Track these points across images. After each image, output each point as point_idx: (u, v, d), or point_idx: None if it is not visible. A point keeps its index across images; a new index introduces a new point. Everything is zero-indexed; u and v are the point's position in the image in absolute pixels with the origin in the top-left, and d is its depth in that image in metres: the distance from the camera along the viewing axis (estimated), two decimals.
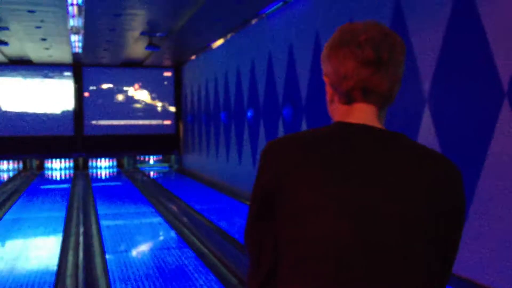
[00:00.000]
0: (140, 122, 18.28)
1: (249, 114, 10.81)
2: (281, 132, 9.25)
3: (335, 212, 1.11)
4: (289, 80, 8.87)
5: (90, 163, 18.10)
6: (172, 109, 18.56)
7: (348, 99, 1.24)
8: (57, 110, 17.63)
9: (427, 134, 5.39)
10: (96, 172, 17.35)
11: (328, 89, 1.29)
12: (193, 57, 15.86)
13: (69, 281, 5.32)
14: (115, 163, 18.43)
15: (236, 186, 11.76)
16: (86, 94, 17.77)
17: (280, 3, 8.88)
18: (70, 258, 6.20)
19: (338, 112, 1.28)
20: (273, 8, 9.26)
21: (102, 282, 5.30)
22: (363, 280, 1.09)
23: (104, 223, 8.34)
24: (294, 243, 1.15)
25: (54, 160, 17.82)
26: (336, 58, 1.24)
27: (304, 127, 8.30)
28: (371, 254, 1.09)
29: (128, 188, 13.23)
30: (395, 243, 1.10)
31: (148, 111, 18.40)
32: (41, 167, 17.76)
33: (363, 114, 1.24)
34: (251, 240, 1.28)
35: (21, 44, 12.87)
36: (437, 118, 5.25)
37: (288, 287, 1.16)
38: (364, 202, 1.11)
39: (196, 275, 5.50)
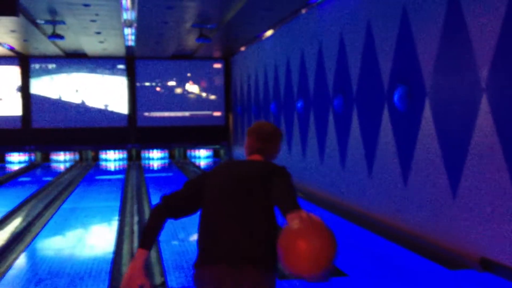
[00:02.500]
0: (191, 113, 18.52)
1: (299, 104, 10.76)
2: (331, 123, 9.16)
3: (217, 179, 2.59)
4: (340, 70, 8.76)
5: (142, 154, 18.49)
6: (222, 100, 18.70)
7: (251, 153, 2.73)
8: (111, 102, 18.08)
9: (484, 124, 5.22)
10: (149, 163, 17.70)
11: (245, 149, 2.77)
12: (243, 48, 15.90)
13: (124, 269, 5.45)
14: (166, 154, 18.75)
15: None
16: (139, 85, 18.14)
17: None
18: (126, 246, 6.35)
19: (247, 157, 2.75)
20: None
21: (156, 270, 5.41)
22: (229, 203, 2.48)
23: None
24: (205, 194, 2.57)
25: (108, 151, 18.29)
26: (248, 137, 2.74)
27: (355, 117, 8.19)
28: (231, 193, 2.50)
29: (180, 179, 13.43)
30: (242, 188, 2.50)
31: (198, 102, 18.61)
32: (96, 158, 18.26)
33: (254, 157, 2.71)
34: (180, 190, 2.64)
35: (76, 37, 13.22)
36: (495, 107, 5.07)
37: (204, 215, 2.55)
38: (229, 176, 2.57)
39: None
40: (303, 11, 10.33)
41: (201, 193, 2.55)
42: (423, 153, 6.35)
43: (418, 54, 6.37)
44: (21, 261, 5.77)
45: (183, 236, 7.01)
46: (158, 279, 5.10)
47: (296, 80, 11.07)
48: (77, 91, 17.81)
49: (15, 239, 6.79)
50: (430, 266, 5.45)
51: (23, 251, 6.19)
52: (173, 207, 2.58)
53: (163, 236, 6.75)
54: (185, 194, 2.59)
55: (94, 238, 7.09)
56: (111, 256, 5.92)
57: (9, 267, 5.55)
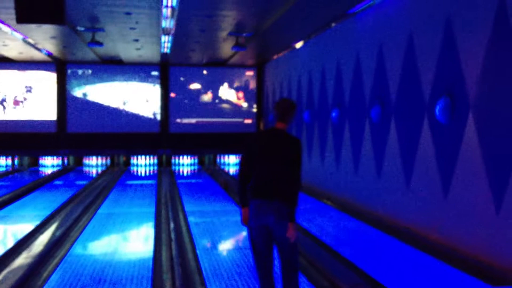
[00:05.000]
0: (222, 120, 18.60)
1: (333, 114, 10.71)
2: (367, 133, 9.10)
3: (260, 150, 4.13)
4: (378, 80, 8.70)
5: (172, 160, 18.62)
6: (254, 107, 18.74)
7: (277, 121, 4.19)
8: (144, 108, 18.28)
9: None
10: (179, 169, 17.81)
11: (273, 118, 4.22)
12: (275, 56, 15.91)
13: (165, 276, 5.48)
14: (196, 161, 18.86)
15: (318, 186, 11.70)
16: (172, 94, 18.32)
17: (371, 2, 8.72)
18: (164, 253, 6.39)
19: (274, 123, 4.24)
20: (363, 7, 9.10)
21: (196, 278, 5.42)
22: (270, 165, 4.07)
23: (192, 220, 8.54)
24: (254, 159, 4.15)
25: (139, 157, 18.47)
26: (275, 110, 4.21)
27: (393, 128, 8.11)
28: (272, 158, 4.08)
29: (211, 185, 13.49)
30: (280, 157, 4.06)
31: (230, 109, 18.69)
32: (128, 163, 18.46)
33: (279, 125, 4.18)
34: (240, 165, 4.22)
35: (114, 44, 13.41)
36: None
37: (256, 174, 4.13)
38: (269, 147, 4.12)
39: None
40: (338, 22, 10.30)
41: (252, 157, 4.13)
42: (465, 167, 6.25)
43: (462, 65, 6.28)
44: (63, 267, 5.83)
45: (219, 245, 7.03)
46: None
47: (331, 89, 11.02)
48: (124, 103, 18.10)
49: (55, 244, 6.89)
50: (472, 282, 5.35)
51: (64, 256, 6.27)
52: (247, 174, 4.15)
53: (199, 244, 6.81)
54: (247, 163, 4.15)
55: (132, 245, 7.15)
56: (151, 263, 5.96)
57: (52, 272, 5.63)
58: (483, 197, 5.88)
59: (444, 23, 6.67)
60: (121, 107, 18.19)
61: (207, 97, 18.61)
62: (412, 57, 7.53)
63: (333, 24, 10.64)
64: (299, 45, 13.27)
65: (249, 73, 18.63)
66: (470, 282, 5.34)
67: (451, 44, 6.53)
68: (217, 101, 18.65)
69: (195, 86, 18.50)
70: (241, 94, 18.74)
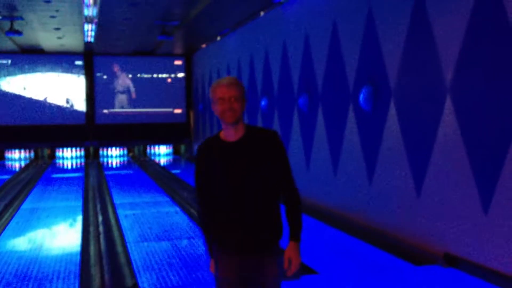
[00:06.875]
0: (151, 110, 18.32)
1: (262, 103, 10.80)
2: (296, 121, 9.25)
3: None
4: (305, 69, 8.85)
5: (101, 152, 18.18)
6: (183, 97, 18.58)
7: None
8: (69, 99, 17.68)
9: (448, 124, 5.38)
10: (107, 161, 17.42)
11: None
12: (204, 45, 15.82)
13: (93, 270, 5.37)
14: (125, 152, 18.50)
15: None
16: (97, 83, 17.83)
17: None
18: (92, 247, 6.25)
19: None
20: None
21: (126, 271, 5.34)
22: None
23: (121, 212, 8.39)
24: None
25: (65, 149, 17.88)
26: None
27: (320, 116, 8.29)
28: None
29: (140, 177, 13.29)
30: None
31: (159, 99, 18.43)
32: (53, 156, 17.84)
33: None
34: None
35: (34, 33, 12.87)
36: (459, 107, 5.23)
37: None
38: None
39: None
40: (266, 11, 10.36)
41: None
42: (388, 152, 6.49)
43: (384, 55, 6.50)
44: None
45: (150, 237, 6.96)
46: (129, 281, 5.04)
47: (260, 78, 11.10)
48: (24, 88, 17.30)
49: None
50: (396, 262, 5.59)
51: None
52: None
53: (129, 237, 6.71)
54: None
55: (58, 240, 6.94)
56: (78, 257, 5.81)
57: None
58: (405, 181, 6.13)
59: (366, 13, 6.86)
60: (44, 98, 17.51)
61: (135, 87, 18.25)
62: (337, 47, 7.70)
63: (261, 13, 10.70)
64: (227, 34, 13.24)
65: (178, 62, 18.43)
66: (394, 262, 5.57)
67: (373, 33, 6.74)
68: (145, 91, 18.32)
69: (122, 75, 18.09)
70: (170, 84, 18.51)
